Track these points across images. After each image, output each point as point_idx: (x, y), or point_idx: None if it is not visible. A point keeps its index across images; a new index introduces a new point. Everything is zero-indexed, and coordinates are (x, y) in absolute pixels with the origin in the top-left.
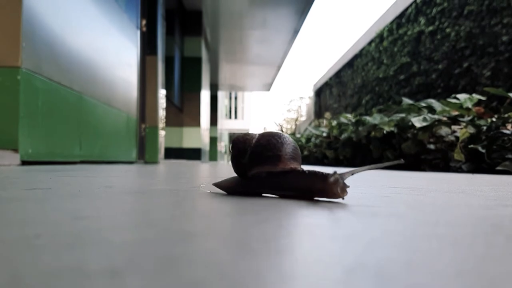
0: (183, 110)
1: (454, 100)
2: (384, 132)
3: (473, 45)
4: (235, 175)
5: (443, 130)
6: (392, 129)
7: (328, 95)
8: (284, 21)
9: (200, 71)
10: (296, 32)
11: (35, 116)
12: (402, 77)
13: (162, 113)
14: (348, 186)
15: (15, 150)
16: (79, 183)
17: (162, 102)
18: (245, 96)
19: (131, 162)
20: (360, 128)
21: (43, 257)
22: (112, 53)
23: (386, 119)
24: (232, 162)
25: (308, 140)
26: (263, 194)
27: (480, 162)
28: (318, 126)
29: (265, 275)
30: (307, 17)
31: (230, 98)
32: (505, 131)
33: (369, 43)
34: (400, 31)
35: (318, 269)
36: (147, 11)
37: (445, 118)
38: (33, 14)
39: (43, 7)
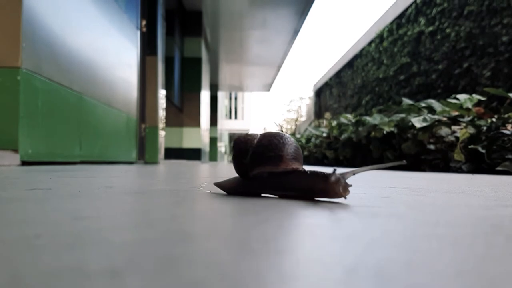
0: (183, 111)
1: (454, 101)
2: (384, 132)
3: (473, 46)
4: (236, 175)
5: (443, 131)
6: (392, 129)
7: (328, 95)
8: (284, 21)
9: (200, 71)
10: (296, 32)
11: (35, 116)
12: (402, 77)
13: (162, 113)
14: (351, 185)
15: (15, 151)
16: (79, 184)
17: (162, 102)
18: (245, 96)
19: (131, 163)
20: (360, 129)
21: (43, 257)
22: (112, 53)
23: (386, 119)
24: (233, 162)
25: (308, 140)
26: (263, 195)
27: (480, 163)
28: (318, 127)
29: (265, 275)
30: (307, 17)
31: (230, 98)
32: (505, 131)
33: (369, 44)
34: (400, 32)
35: (318, 269)
36: (147, 12)
37: (445, 119)
38: (33, 15)
39: (43, 7)
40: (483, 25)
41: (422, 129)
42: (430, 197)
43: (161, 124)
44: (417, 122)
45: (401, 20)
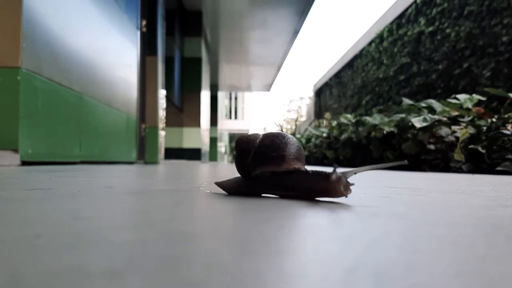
0: (183, 111)
1: (454, 101)
2: (384, 132)
3: (473, 46)
4: (235, 175)
5: (443, 131)
6: (392, 129)
7: (328, 95)
8: (284, 21)
9: (200, 71)
10: (296, 32)
11: (35, 116)
12: (402, 77)
13: (162, 113)
14: (352, 184)
15: (15, 151)
16: (79, 184)
17: (162, 102)
18: (245, 96)
19: (131, 163)
20: (360, 129)
21: (43, 257)
22: (112, 53)
23: (386, 119)
24: (235, 162)
25: (308, 140)
26: (263, 194)
27: (480, 163)
28: (318, 127)
29: (265, 275)
30: (307, 17)
31: (230, 98)
32: (505, 131)
33: (369, 44)
34: (400, 32)
35: (318, 269)
36: (147, 12)
37: (445, 119)
38: (33, 15)
39: (43, 7)
40: (483, 25)
41: (422, 129)
42: (430, 197)
43: (161, 124)
44: (417, 122)
45: (401, 20)
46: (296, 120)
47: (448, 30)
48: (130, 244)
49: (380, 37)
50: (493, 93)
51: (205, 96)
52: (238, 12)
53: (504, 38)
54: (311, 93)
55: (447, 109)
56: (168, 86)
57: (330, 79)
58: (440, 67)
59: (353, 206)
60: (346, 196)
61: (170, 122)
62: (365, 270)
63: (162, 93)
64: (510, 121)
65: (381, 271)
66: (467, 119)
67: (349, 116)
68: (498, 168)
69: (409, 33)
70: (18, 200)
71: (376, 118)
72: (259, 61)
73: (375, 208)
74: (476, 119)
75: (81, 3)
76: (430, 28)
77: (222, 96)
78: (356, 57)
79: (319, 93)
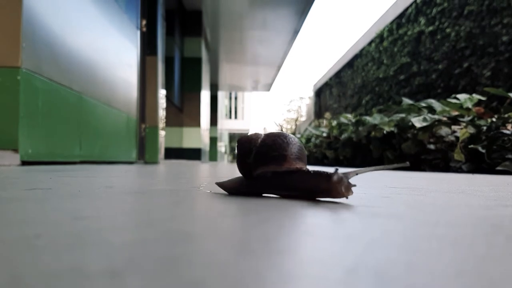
0: (183, 110)
1: (454, 100)
2: (384, 132)
3: (473, 45)
4: (235, 175)
5: (443, 130)
6: (392, 129)
7: (328, 95)
8: (284, 21)
9: (200, 71)
10: (296, 32)
11: (35, 116)
12: (402, 77)
13: (162, 113)
14: (354, 185)
15: (15, 150)
16: (79, 183)
17: (162, 102)
18: (245, 96)
19: (131, 162)
20: (360, 128)
21: (43, 258)
22: (112, 53)
23: (386, 119)
24: (237, 162)
25: (308, 140)
26: (264, 194)
27: (480, 162)
28: (318, 126)
29: (265, 275)
30: (307, 17)
31: (230, 98)
32: (505, 131)
33: (369, 43)
34: (400, 31)
35: (318, 269)
36: (147, 12)
37: (445, 118)
38: (33, 15)
39: (43, 7)
40: (483, 25)
41: (422, 129)
42: (430, 197)
43: (161, 124)
44: (417, 122)
45: (401, 20)
46: (296, 120)
47: (448, 30)
48: (130, 244)
49: (380, 37)
50: (493, 92)
51: (205, 96)
52: (238, 12)
53: (504, 38)
54: (311, 93)
55: (447, 109)
56: (168, 86)
57: (330, 79)
58: (440, 66)
59: (353, 206)
60: (347, 198)
61: (170, 122)
62: (365, 270)
63: (162, 93)
64: (510, 120)
65: (381, 271)
66: (467, 119)
67: (349, 116)
68: (498, 168)
69: (409, 32)
70: (18, 200)
71: (376, 118)
72: (259, 61)
73: (375, 208)
74: (476, 119)
75: (81, 3)
76: (430, 28)
77: (222, 96)
78: (356, 57)
79: (319, 93)
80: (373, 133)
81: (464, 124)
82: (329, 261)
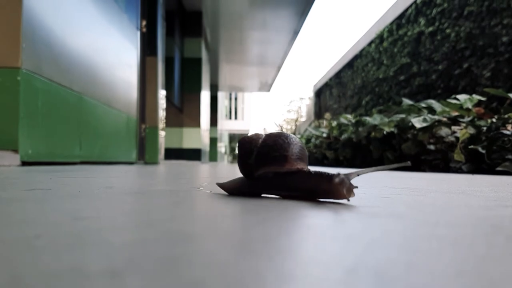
0: (183, 111)
1: (454, 101)
2: (384, 132)
3: (473, 46)
4: (235, 175)
5: (443, 131)
6: (392, 129)
7: (328, 95)
8: (284, 22)
9: (200, 71)
10: (296, 33)
11: (35, 116)
12: (402, 77)
13: (162, 113)
14: (356, 187)
15: (15, 151)
16: (79, 184)
17: (162, 102)
18: (245, 96)
19: (131, 163)
20: (360, 129)
21: (43, 258)
22: (112, 53)
23: (386, 119)
24: (238, 162)
25: (308, 140)
26: (263, 195)
27: (480, 163)
28: (318, 127)
29: (265, 276)
30: (307, 18)
31: (230, 98)
32: (505, 131)
33: (369, 44)
34: (400, 32)
35: (318, 269)
36: (147, 12)
37: (445, 119)
38: (33, 15)
39: (43, 7)
40: (483, 25)
41: (422, 129)
42: (430, 198)
43: (161, 124)
44: (417, 122)
45: (401, 21)
46: (296, 120)
47: (448, 31)
48: (130, 244)
49: (380, 38)
50: (493, 93)
51: (205, 96)
52: (238, 13)
53: (504, 39)
54: (311, 94)
55: (447, 109)
56: (168, 87)
57: (330, 79)
58: (440, 67)
59: (353, 206)
60: (348, 200)
61: (170, 122)
62: (365, 270)
63: (162, 93)
64: (510, 121)
65: (381, 271)
66: (467, 119)
67: (349, 116)
68: (498, 169)
69: (409, 33)
70: (18, 201)
71: (376, 119)
72: (259, 61)
73: (375, 208)
74: (476, 119)
75: (81, 4)
76: (430, 29)
77: (222, 96)
78: (356, 57)
79: (319, 93)
80: (373, 133)
81: (464, 124)
82: (329, 261)
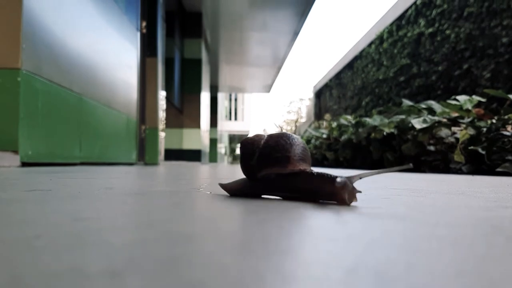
0: (183, 112)
1: (454, 102)
2: (384, 133)
3: (473, 47)
4: (235, 176)
5: (443, 132)
6: (392, 130)
7: (328, 96)
8: (284, 23)
9: (200, 72)
10: (296, 34)
11: (35, 117)
12: (402, 78)
13: (162, 114)
14: (360, 191)
15: (15, 152)
16: (79, 185)
17: (162, 103)
18: (245, 97)
19: (131, 164)
20: (360, 130)
21: (43, 258)
22: (112, 54)
23: (386, 120)
24: (240, 164)
25: (308, 141)
26: (267, 196)
27: (480, 164)
28: (318, 128)
29: (265, 276)
30: (307, 19)
31: (230, 99)
32: (505, 132)
33: (369, 45)
34: (400, 33)
35: (318, 269)
36: (147, 13)
37: (445, 120)
38: (33, 16)
39: (43, 8)
40: (483, 26)
41: (422, 130)
42: (430, 198)
43: (161, 125)
44: (417, 123)
45: (401, 22)
46: (296, 121)
47: (448, 32)
48: (130, 245)
49: (380, 38)
50: (493, 94)
51: (205, 97)
52: (238, 13)
53: (504, 40)
54: (311, 94)
55: (447, 110)
56: (168, 87)
57: (330, 80)
58: (440, 68)
59: (353, 207)
60: (349, 205)
61: (170, 123)
62: (365, 270)
63: (162, 94)
64: (510, 122)
65: (381, 271)
66: (467, 120)
67: (349, 117)
68: (498, 169)
69: (409, 34)
70: (18, 201)
71: (376, 119)
72: (259, 62)
73: (375, 209)
74: (476, 120)
75: (81, 5)
76: (430, 30)
77: (222, 97)
78: (356, 58)
79: (319, 94)
80: (373, 134)
81: (464, 125)
82: (329, 261)
